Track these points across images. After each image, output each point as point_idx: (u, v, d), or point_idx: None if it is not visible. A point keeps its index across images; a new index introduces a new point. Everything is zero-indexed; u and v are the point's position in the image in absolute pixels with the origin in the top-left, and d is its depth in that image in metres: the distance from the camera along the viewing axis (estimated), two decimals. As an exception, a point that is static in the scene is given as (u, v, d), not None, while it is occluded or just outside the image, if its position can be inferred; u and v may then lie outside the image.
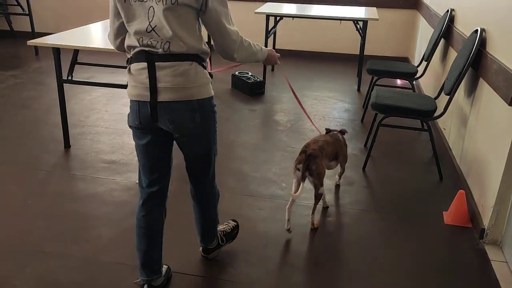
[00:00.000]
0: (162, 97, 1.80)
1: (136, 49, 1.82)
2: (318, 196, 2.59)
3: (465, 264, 2.40)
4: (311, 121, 2.92)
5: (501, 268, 2.36)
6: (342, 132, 2.97)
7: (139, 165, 2.01)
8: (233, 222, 2.50)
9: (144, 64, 1.80)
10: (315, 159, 2.49)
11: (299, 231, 2.62)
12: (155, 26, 1.75)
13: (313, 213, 2.63)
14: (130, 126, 1.95)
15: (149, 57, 1.79)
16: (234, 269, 2.30)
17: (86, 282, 2.18)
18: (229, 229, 2.44)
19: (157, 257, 2.10)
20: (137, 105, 1.85)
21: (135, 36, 1.79)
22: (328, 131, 2.92)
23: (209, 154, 2.03)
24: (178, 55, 1.79)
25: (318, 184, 2.55)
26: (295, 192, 2.51)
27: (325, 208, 2.85)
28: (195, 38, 1.81)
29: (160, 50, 1.77)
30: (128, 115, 1.93)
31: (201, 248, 2.35)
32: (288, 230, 2.57)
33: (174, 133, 1.90)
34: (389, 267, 2.36)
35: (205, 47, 1.85)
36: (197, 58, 1.84)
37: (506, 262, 2.41)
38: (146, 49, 1.79)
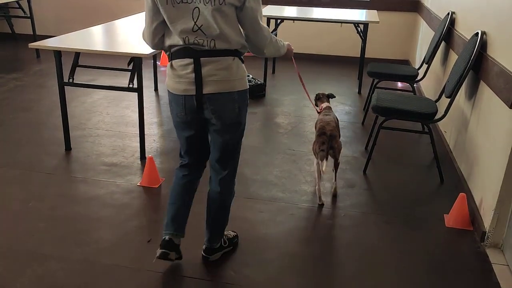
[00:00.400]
0: (207, 89, 1.91)
1: (179, 46, 1.90)
2: (338, 165, 3.00)
3: (466, 267, 2.39)
4: (310, 100, 3.13)
5: (502, 272, 2.35)
6: (330, 96, 3.35)
7: (181, 149, 2.20)
8: (233, 232, 2.52)
9: (189, 60, 1.89)
10: (335, 138, 2.86)
11: (300, 234, 2.61)
12: (201, 25, 1.83)
13: (335, 180, 3.02)
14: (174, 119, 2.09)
15: (194, 54, 1.88)
16: (234, 272, 2.30)
17: (86, 284, 2.18)
18: (230, 236, 2.47)
19: (186, 215, 2.25)
20: (182, 99, 1.97)
21: (180, 36, 1.87)
22: (318, 97, 3.34)
23: (237, 146, 2.15)
24: (222, 50, 1.89)
25: (338, 157, 2.95)
26: (323, 169, 2.81)
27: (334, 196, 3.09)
28: (237, 34, 1.92)
29: (206, 47, 1.87)
30: (170, 106, 2.06)
31: (204, 247, 2.36)
32: (321, 204, 2.91)
33: (215, 122, 2.00)
34: (389, 270, 2.36)
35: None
36: (237, 53, 1.95)
37: (507, 265, 2.40)
38: (191, 46, 1.87)
